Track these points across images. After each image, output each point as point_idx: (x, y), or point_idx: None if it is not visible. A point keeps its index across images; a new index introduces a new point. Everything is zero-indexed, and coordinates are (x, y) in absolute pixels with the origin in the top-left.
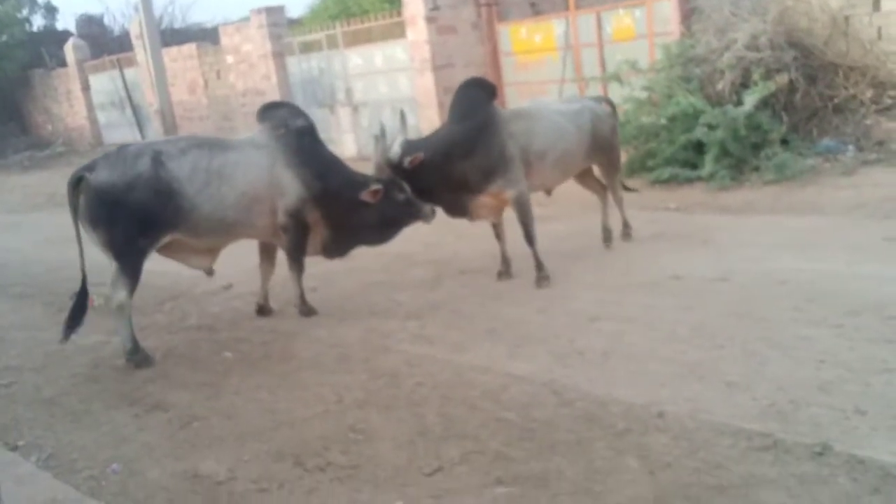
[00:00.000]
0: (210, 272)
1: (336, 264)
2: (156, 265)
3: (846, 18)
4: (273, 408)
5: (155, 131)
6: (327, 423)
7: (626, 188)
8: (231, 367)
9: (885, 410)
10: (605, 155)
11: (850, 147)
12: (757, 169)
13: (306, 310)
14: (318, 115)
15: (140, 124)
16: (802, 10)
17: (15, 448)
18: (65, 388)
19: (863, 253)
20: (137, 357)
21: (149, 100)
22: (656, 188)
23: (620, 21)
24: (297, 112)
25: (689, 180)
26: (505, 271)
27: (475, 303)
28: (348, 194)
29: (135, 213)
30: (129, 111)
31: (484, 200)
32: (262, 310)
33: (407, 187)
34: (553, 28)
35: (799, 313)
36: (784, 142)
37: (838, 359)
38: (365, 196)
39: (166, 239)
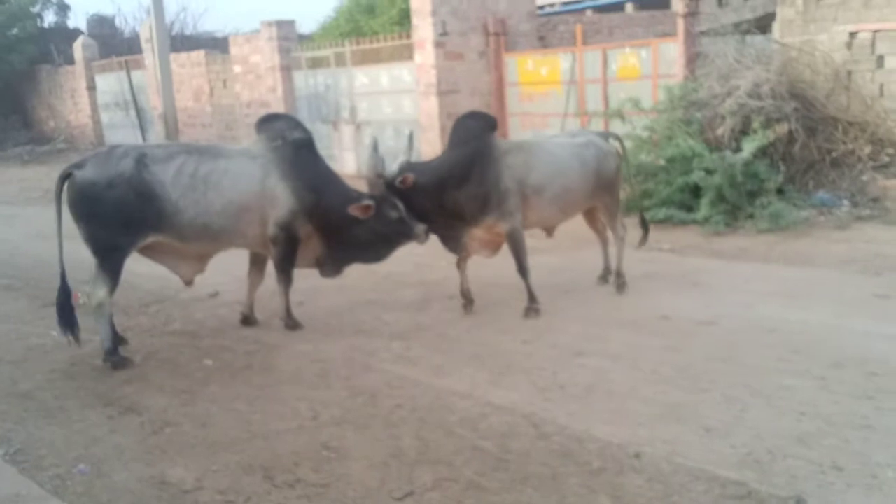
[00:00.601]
0: (190, 282)
1: (324, 280)
2: (144, 268)
3: (849, 73)
4: (248, 419)
5: (157, 135)
6: (301, 439)
7: (645, 224)
8: (210, 375)
9: (861, 468)
10: (609, 194)
11: (846, 201)
12: (752, 216)
13: (292, 323)
14: (321, 131)
15: (143, 127)
16: (806, 62)
17: None
18: (41, 383)
19: (851, 307)
20: (115, 358)
21: (153, 104)
22: (651, 228)
23: (626, 60)
24: (295, 124)
25: (684, 222)
26: (466, 303)
27: (461, 328)
28: (342, 209)
29: (114, 212)
30: (132, 113)
31: (477, 233)
32: (247, 320)
33: (401, 205)
34: (559, 62)
35: (783, 363)
36: (780, 191)
37: (819, 411)
38: (353, 210)
39: (148, 240)
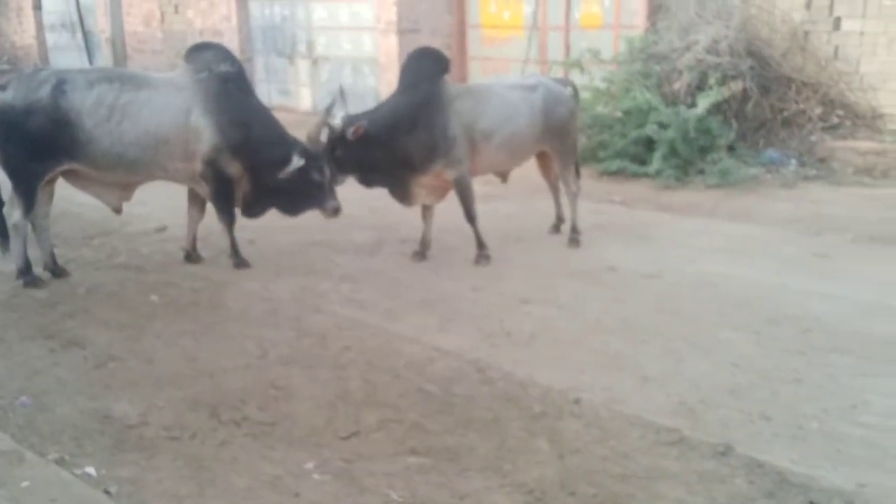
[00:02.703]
0: (118, 210)
1: (275, 219)
2: (87, 198)
3: (806, 34)
4: (195, 356)
5: (105, 60)
6: (248, 377)
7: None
8: (156, 310)
9: (789, 418)
10: (559, 140)
11: (793, 161)
12: (702, 172)
13: (238, 261)
14: (276, 65)
15: (90, 51)
16: (765, 20)
17: None
18: None
19: (791, 265)
20: (27, 277)
21: (101, 27)
22: (604, 179)
23: (589, 8)
24: (224, 56)
25: (636, 175)
26: (420, 252)
27: (412, 273)
28: (270, 149)
29: (28, 137)
30: (79, 36)
31: (425, 181)
32: (189, 256)
33: (326, 173)
34: (523, 6)
35: (722, 317)
36: (731, 148)
37: (753, 365)
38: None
39: (63, 167)
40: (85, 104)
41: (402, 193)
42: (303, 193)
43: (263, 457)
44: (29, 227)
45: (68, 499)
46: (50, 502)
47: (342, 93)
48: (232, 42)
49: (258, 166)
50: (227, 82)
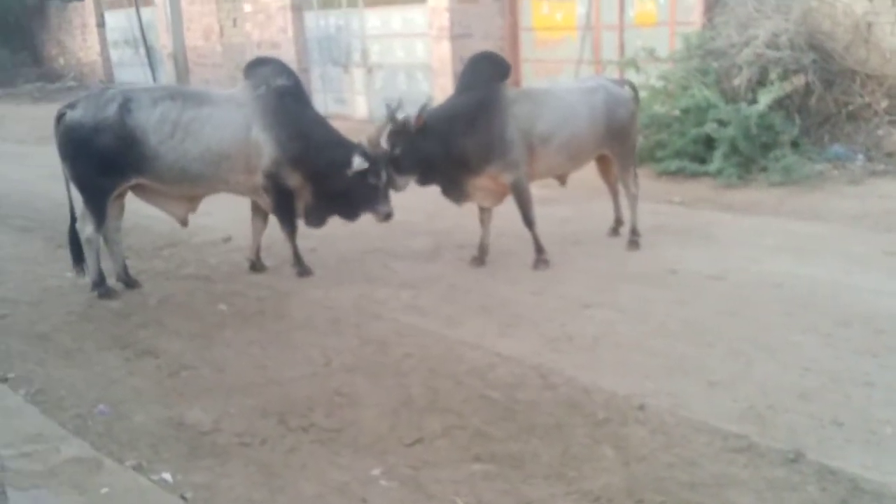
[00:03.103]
0: (184, 223)
1: (336, 227)
2: (157, 210)
3: (869, 25)
4: (263, 364)
5: (167, 74)
6: (314, 385)
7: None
8: (224, 319)
9: (861, 423)
10: (619, 142)
11: (860, 156)
12: (765, 169)
13: (302, 270)
14: (331, 74)
15: (152, 66)
16: (826, 13)
17: (5, 380)
18: (59, 324)
19: (861, 264)
20: (101, 289)
21: (163, 42)
22: (663, 179)
23: (643, 5)
24: (280, 70)
25: (696, 174)
26: (479, 257)
27: (471, 278)
28: (329, 157)
29: (97, 154)
30: (142, 51)
31: (481, 182)
32: (254, 266)
33: (384, 177)
34: (575, 7)
35: (790, 318)
36: (794, 144)
37: (823, 367)
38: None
39: (131, 182)
40: (150, 121)
41: (456, 193)
42: (360, 197)
43: (331, 463)
44: (101, 240)
45: None
46: None
47: (400, 102)
48: (289, 53)
49: (318, 175)
50: (284, 96)
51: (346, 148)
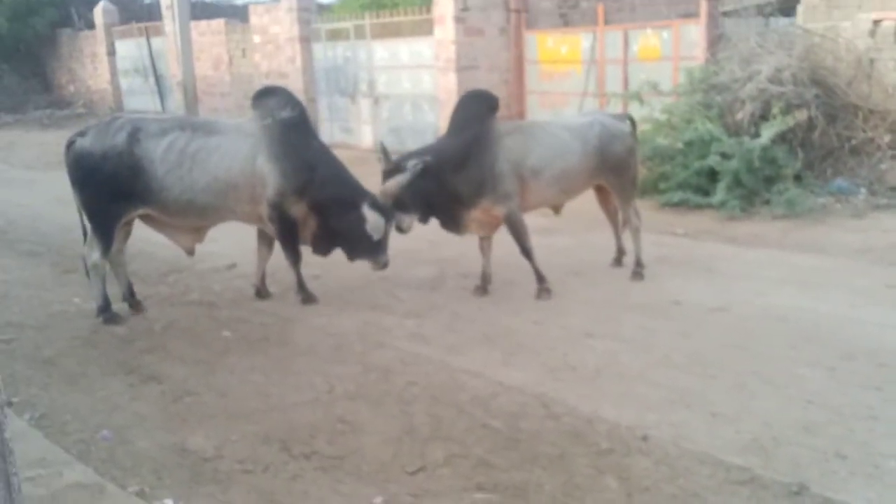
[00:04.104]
0: (191, 252)
1: (341, 255)
2: (162, 237)
3: (871, 61)
4: (266, 391)
5: (176, 103)
6: (317, 412)
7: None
8: (228, 346)
9: (865, 457)
10: (616, 176)
11: (863, 190)
12: (768, 202)
13: (306, 297)
14: (339, 104)
15: (162, 94)
16: (828, 49)
17: (9, 404)
18: (64, 349)
19: (864, 297)
20: (107, 314)
21: (172, 71)
22: (666, 211)
23: (647, 41)
24: (286, 101)
25: (700, 206)
26: (482, 286)
27: (474, 307)
28: (335, 193)
29: (105, 182)
30: (152, 80)
31: (475, 215)
32: (259, 292)
33: (387, 230)
34: (580, 41)
35: (794, 351)
36: (797, 178)
37: (826, 401)
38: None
39: (138, 212)
40: (158, 152)
41: (453, 226)
42: (363, 242)
43: (333, 490)
44: (107, 265)
45: None
46: None
47: (385, 151)
48: (297, 83)
49: (323, 205)
50: (289, 128)
51: (352, 186)
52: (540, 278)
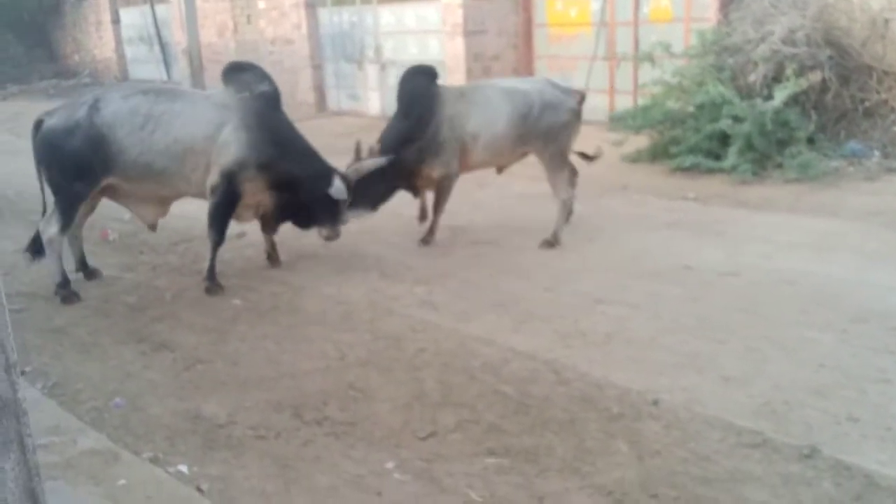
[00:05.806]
0: (153, 227)
1: (350, 224)
2: (173, 207)
3: (886, 21)
4: (277, 358)
5: (181, 70)
6: (328, 379)
7: (587, 156)
8: (239, 314)
9: (877, 419)
10: (542, 145)
11: (877, 152)
12: (780, 166)
13: (212, 286)
14: (345, 71)
15: (167, 62)
16: (843, 9)
17: (22, 373)
18: (75, 319)
19: (876, 261)
20: (64, 291)
21: (177, 39)
22: (677, 175)
23: (659, 2)
24: (261, 76)
25: (711, 171)
26: (421, 216)
27: (484, 274)
28: (306, 169)
29: (70, 159)
30: (156, 48)
31: (419, 181)
32: (270, 258)
33: (347, 198)
34: (590, 3)
35: (805, 315)
36: (810, 141)
37: (838, 364)
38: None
39: (103, 183)
40: (118, 117)
41: (411, 190)
42: (322, 213)
43: (345, 456)
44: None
45: (163, 496)
46: (146, 499)
47: (358, 147)
48: (302, 49)
49: (287, 183)
50: (265, 102)
51: (322, 165)
52: (431, 232)
